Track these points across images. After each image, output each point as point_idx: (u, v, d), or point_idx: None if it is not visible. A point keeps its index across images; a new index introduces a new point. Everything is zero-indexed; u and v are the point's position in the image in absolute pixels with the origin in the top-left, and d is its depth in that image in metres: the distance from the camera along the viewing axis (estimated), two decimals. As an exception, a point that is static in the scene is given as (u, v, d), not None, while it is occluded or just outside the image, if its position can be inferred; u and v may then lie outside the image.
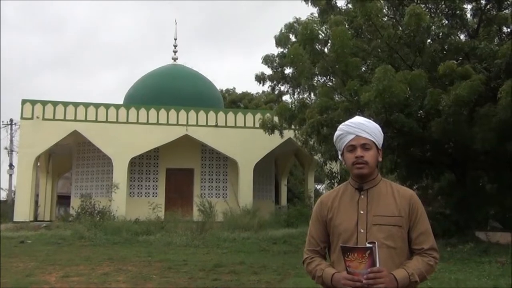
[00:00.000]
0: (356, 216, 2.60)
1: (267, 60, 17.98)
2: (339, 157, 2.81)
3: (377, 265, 2.37)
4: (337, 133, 2.74)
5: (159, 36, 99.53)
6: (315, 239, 2.75)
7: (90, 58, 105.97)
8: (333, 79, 16.50)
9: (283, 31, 17.78)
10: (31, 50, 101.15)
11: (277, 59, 18.17)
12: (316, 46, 14.77)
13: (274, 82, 18.42)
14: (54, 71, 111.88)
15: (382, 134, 2.73)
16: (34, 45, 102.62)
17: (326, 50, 15.48)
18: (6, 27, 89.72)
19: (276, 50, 19.39)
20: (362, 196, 2.64)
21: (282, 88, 18.83)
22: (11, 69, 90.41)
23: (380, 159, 2.70)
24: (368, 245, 2.41)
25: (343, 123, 2.76)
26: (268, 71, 18.69)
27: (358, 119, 2.72)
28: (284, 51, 18.04)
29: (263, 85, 18.80)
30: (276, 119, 19.41)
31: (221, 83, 77.99)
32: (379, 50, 14.88)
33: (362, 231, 2.56)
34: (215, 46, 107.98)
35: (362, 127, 2.66)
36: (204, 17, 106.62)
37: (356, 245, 2.48)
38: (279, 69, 18.23)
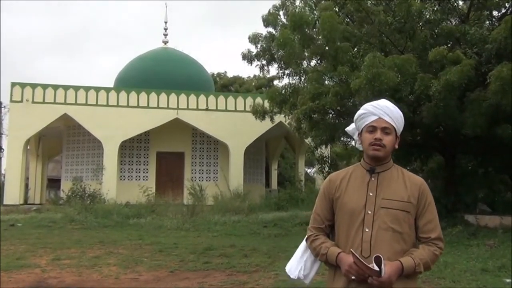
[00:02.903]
0: (365, 197, 2.60)
1: (255, 39, 17.63)
2: (355, 137, 2.80)
3: (383, 273, 2.38)
4: (360, 111, 2.72)
5: (161, 20, 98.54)
6: (321, 217, 2.75)
7: (92, 42, 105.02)
8: (323, 63, 16.41)
9: (271, 11, 17.56)
10: (22, 34, 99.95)
11: (263, 40, 17.78)
12: (306, 31, 14.68)
13: (262, 62, 18.05)
14: (51, 55, 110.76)
15: (403, 122, 2.72)
16: (29, 28, 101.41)
17: (315, 35, 15.39)
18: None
19: (264, 31, 19.17)
20: (373, 179, 2.64)
21: (271, 69, 18.45)
22: (6, 52, 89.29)
23: (397, 146, 2.68)
24: (375, 267, 2.39)
25: (368, 103, 2.73)
26: (255, 50, 18.30)
27: (384, 102, 2.70)
28: (273, 32, 17.80)
29: (251, 64, 18.44)
30: (266, 103, 19.31)
31: (213, 67, 77.56)
32: (366, 33, 14.82)
33: (369, 212, 2.57)
34: (207, 29, 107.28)
35: (386, 111, 2.65)
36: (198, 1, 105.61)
37: (364, 259, 2.44)
38: (267, 51, 17.88)
